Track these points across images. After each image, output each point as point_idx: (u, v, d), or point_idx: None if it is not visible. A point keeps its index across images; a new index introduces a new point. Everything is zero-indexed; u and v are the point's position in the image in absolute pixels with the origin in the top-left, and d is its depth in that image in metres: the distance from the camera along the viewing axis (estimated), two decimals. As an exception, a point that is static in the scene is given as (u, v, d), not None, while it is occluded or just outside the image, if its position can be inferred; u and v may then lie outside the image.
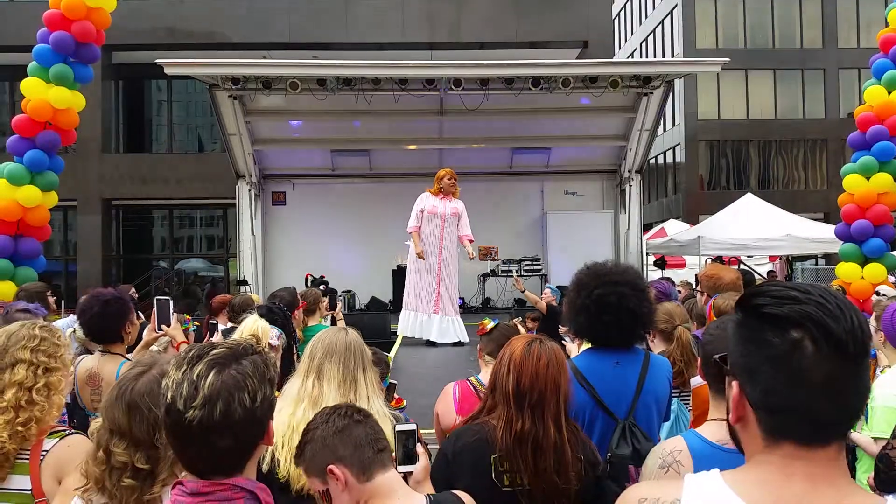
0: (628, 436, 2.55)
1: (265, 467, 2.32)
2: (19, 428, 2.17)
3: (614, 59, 20.05)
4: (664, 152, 34.22)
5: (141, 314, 4.21)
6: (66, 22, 7.35)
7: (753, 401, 1.11)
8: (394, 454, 1.97)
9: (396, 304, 10.15)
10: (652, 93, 10.05)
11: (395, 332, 8.53)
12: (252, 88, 9.52)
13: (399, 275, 10.48)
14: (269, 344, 3.29)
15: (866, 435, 3.20)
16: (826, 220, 19.31)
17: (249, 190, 11.32)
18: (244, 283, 11.08)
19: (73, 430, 2.35)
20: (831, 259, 17.78)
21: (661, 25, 35.11)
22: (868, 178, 8.33)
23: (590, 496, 2.26)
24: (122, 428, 1.75)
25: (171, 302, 3.66)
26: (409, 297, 8.19)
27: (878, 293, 7.44)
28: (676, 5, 32.61)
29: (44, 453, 2.19)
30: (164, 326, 3.60)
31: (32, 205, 7.32)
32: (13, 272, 7.25)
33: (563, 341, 4.32)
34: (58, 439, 2.23)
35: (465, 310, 10.08)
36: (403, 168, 12.01)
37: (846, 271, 8.44)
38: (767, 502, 1.07)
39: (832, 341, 1.05)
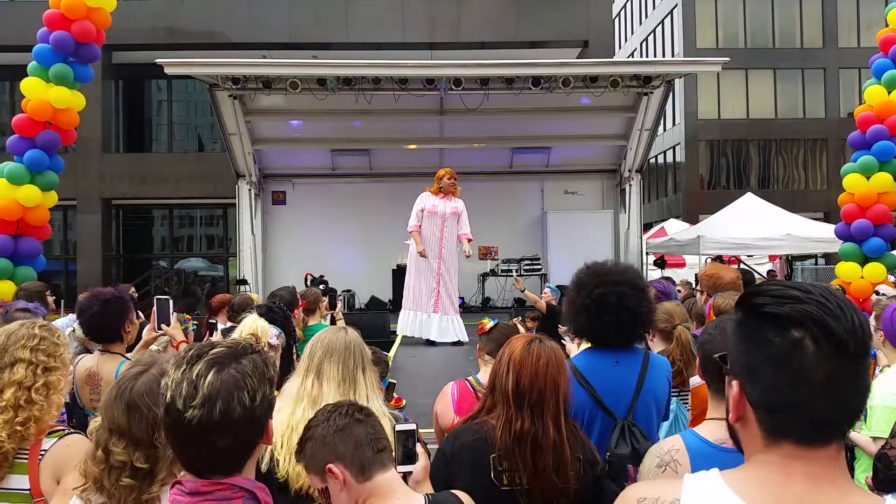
0: (627, 435, 2.55)
1: (264, 467, 2.31)
2: (18, 427, 2.17)
3: (614, 59, 20.04)
4: (664, 152, 34.23)
5: (140, 313, 4.21)
6: (66, 22, 7.35)
7: (753, 400, 1.11)
8: (393, 454, 1.97)
9: (396, 304, 10.15)
10: (652, 92, 10.05)
11: (395, 331, 8.52)
12: (252, 88, 9.52)
13: (399, 274, 10.48)
14: (268, 343, 3.29)
15: (865, 434, 3.20)
16: (826, 219, 19.31)
17: (249, 189, 11.32)
18: (244, 282, 11.08)
19: (71, 430, 2.35)
20: (831, 258, 17.79)
21: (661, 25, 35.11)
22: (868, 178, 8.33)
23: (589, 496, 2.26)
24: (121, 427, 1.75)
25: (171, 301, 3.66)
26: (408, 296, 8.19)
27: (877, 293, 7.44)
28: (676, 5, 32.60)
29: (42, 453, 2.19)
30: (163, 326, 3.60)
31: (32, 204, 7.32)
32: (13, 271, 7.25)
33: (562, 341, 4.32)
34: (57, 439, 2.23)
35: (465, 309, 10.07)
36: (403, 168, 12.00)
37: (846, 271, 8.44)
38: (768, 502, 1.06)
39: (833, 341, 1.05)
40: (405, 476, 2.01)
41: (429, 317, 8.04)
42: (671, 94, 10.74)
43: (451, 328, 8.05)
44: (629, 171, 11.62)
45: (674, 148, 33.61)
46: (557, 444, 2.20)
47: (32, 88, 7.40)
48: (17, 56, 12.54)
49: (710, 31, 32.00)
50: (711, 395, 2.17)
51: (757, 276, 11.82)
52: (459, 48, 16.68)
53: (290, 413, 2.42)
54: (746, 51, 31.00)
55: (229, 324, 5.07)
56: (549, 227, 12.36)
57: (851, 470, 3.33)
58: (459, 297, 8.71)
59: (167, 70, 8.83)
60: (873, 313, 4.01)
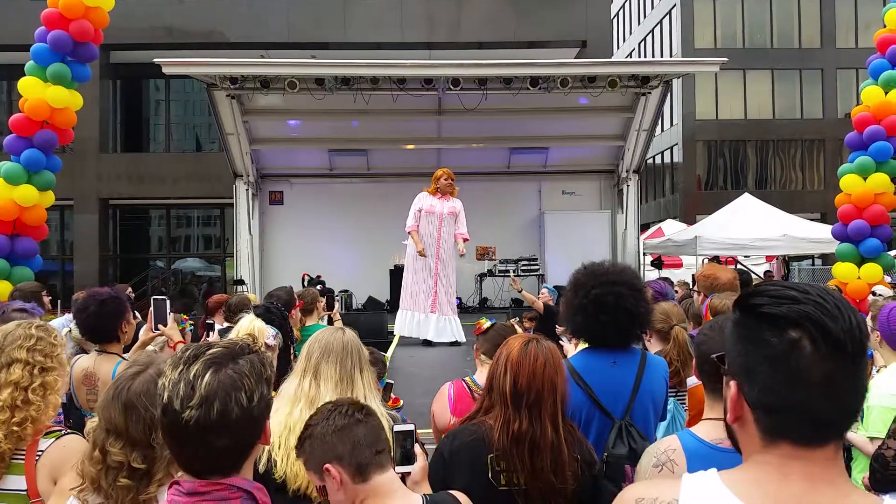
0: (625, 435, 2.55)
1: (262, 467, 2.31)
2: (15, 428, 2.17)
3: (612, 59, 20.04)
4: (662, 152, 34.26)
5: (137, 314, 4.20)
6: (64, 21, 7.33)
7: (751, 400, 1.11)
8: (392, 454, 1.97)
9: (393, 304, 10.15)
10: (650, 93, 10.06)
11: (392, 331, 8.52)
12: (250, 88, 9.51)
13: (396, 275, 10.48)
14: (265, 343, 3.28)
15: (862, 435, 3.20)
16: (823, 220, 19.34)
17: (247, 189, 11.31)
18: (241, 282, 11.06)
19: (68, 430, 2.34)
20: (828, 259, 17.80)
21: (659, 25, 35.15)
22: (865, 179, 8.34)
23: (586, 496, 2.26)
24: (118, 427, 1.75)
25: (168, 302, 3.66)
26: (406, 296, 8.19)
27: (874, 293, 7.46)
28: (675, 5, 32.64)
29: (39, 453, 2.19)
30: (160, 326, 3.60)
31: (29, 204, 7.29)
32: (9, 272, 7.23)
33: (560, 341, 4.32)
34: (53, 439, 2.22)
35: (463, 310, 10.07)
36: (401, 168, 12.00)
37: (843, 271, 8.45)
38: (766, 502, 1.06)
39: (830, 341, 1.05)
40: (403, 476, 2.01)
41: (426, 317, 8.04)
42: (669, 94, 10.75)
43: (449, 328, 8.05)
44: (627, 171, 11.63)
45: (671, 148, 33.64)
46: (555, 445, 2.20)
47: (30, 88, 7.39)
48: (14, 55, 12.52)
49: (708, 31, 32.04)
50: (708, 396, 2.17)
51: (754, 276, 11.84)
52: (458, 48, 16.67)
53: (287, 414, 2.42)
54: (744, 51, 31.04)
55: (226, 324, 5.06)
56: (547, 227, 12.37)
57: (848, 470, 3.34)
58: (457, 298, 8.71)
59: (165, 70, 8.82)
60: (870, 314, 4.02)
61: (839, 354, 1.06)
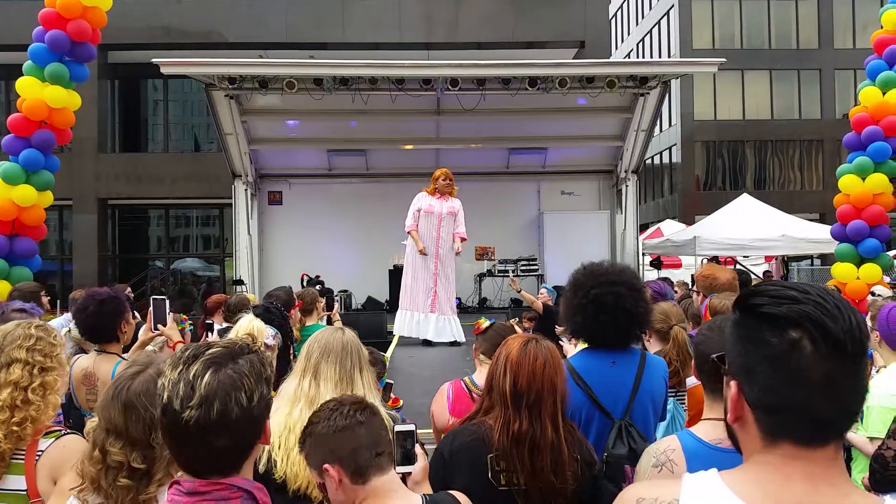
0: (625, 436, 2.55)
1: (262, 467, 2.31)
2: (15, 428, 2.17)
3: (611, 60, 20.05)
4: (660, 153, 34.28)
5: (137, 314, 4.20)
6: (62, 21, 7.32)
7: (752, 400, 1.11)
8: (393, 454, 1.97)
9: (393, 304, 10.15)
10: (648, 93, 10.06)
11: (392, 331, 8.52)
12: (248, 88, 9.50)
13: (395, 275, 10.48)
14: (264, 343, 3.28)
15: (862, 435, 3.21)
16: (822, 220, 19.37)
17: (246, 189, 11.31)
18: (240, 282, 11.06)
19: (68, 430, 2.34)
20: (827, 259, 17.83)
21: (657, 26, 35.17)
22: (863, 179, 8.34)
23: (586, 496, 2.26)
24: (118, 427, 1.75)
25: (167, 302, 3.66)
26: (405, 296, 8.19)
27: (873, 293, 7.46)
28: (673, 6, 32.66)
29: (39, 453, 2.19)
30: (160, 326, 3.60)
31: (28, 204, 7.29)
32: (8, 272, 7.22)
33: (560, 341, 4.32)
34: (53, 439, 2.22)
35: (462, 310, 10.07)
36: (400, 168, 12.00)
37: (842, 272, 8.45)
38: (767, 503, 1.07)
39: (830, 341, 1.05)
40: (404, 477, 2.01)
41: (426, 317, 8.04)
42: (667, 94, 10.76)
43: (448, 328, 8.05)
44: (625, 171, 11.64)
45: (670, 149, 33.67)
46: (555, 445, 2.20)
47: (28, 88, 7.38)
48: (12, 55, 12.49)
49: (707, 31, 32.06)
50: (707, 396, 2.17)
51: (753, 276, 11.84)
52: (456, 48, 16.67)
53: (287, 414, 2.42)
54: (742, 52, 31.06)
55: (226, 324, 5.06)
56: (546, 227, 12.37)
57: (848, 471, 3.34)
58: (456, 298, 8.71)
59: (163, 69, 8.82)
60: (869, 314, 4.02)
61: (839, 354, 1.06)
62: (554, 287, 8.09)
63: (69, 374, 3.21)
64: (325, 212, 12.13)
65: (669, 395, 3.07)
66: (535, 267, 11.89)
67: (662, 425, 3.04)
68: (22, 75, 7.46)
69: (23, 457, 2.18)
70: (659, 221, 21.95)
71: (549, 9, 16.84)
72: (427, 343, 8.01)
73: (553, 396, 2.24)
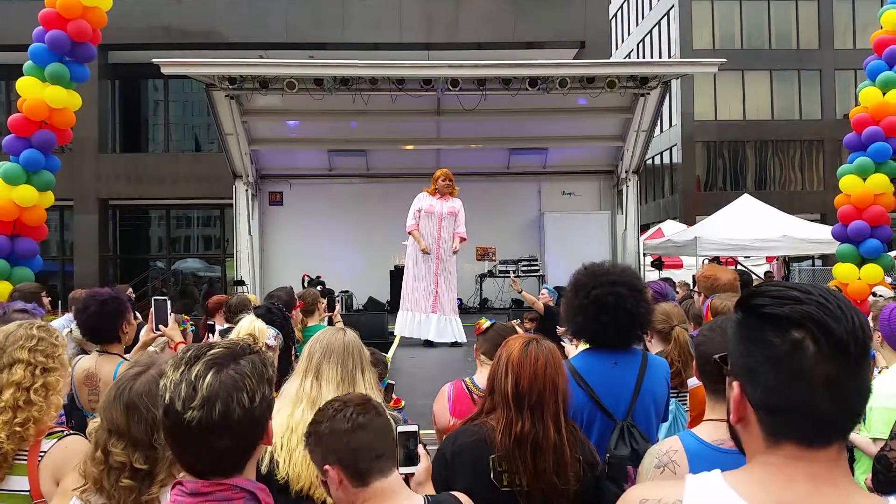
0: (627, 436, 2.55)
1: (264, 468, 2.31)
2: (17, 428, 2.17)
3: (611, 60, 20.05)
4: (661, 153, 34.28)
5: (138, 314, 4.20)
6: (62, 21, 7.32)
7: (754, 401, 1.11)
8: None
9: (394, 305, 10.15)
10: (649, 93, 10.06)
11: (393, 332, 8.52)
12: (249, 88, 9.51)
13: (396, 275, 10.48)
14: (265, 344, 3.28)
15: (864, 436, 3.20)
16: (823, 220, 19.35)
17: (246, 190, 11.31)
18: (241, 283, 11.06)
19: (70, 431, 2.34)
20: (828, 260, 17.81)
21: (657, 26, 35.17)
22: (864, 179, 8.34)
23: (588, 497, 2.26)
24: (120, 428, 1.75)
25: (169, 302, 3.66)
26: (406, 297, 8.19)
27: (874, 294, 7.46)
28: (673, 6, 32.66)
29: (42, 454, 2.19)
30: (161, 327, 3.60)
31: (28, 204, 7.28)
32: (9, 272, 7.22)
33: (561, 342, 4.32)
34: (56, 440, 2.22)
35: (463, 310, 10.07)
36: (400, 168, 12.00)
37: (843, 272, 8.45)
38: (770, 503, 1.07)
39: (833, 341, 1.05)
40: (407, 477, 2.01)
41: (427, 317, 8.04)
42: (668, 95, 10.76)
43: (450, 328, 8.05)
44: (626, 172, 11.63)
45: (670, 149, 33.66)
46: (558, 446, 2.20)
47: (28, 88, 7.37)
48: (12, 55, 12.50)
49: (707, 32, 32.06)
50: (708, 396, 2.17)
51: (754, 277, 11.84)
52: (456, 48, 16.67)
53: (288, 414, 2.42)
54: (743, 52, 31.06)
55: (227, 325, 5.06)
56: (547, 228, 12.37)
57: (851, 472, 3.34)
58: (457, 299, 8.71)
59: (164, 70, 8.82)
60: (871, 314, 4.02)
61: (842, 355, 1.06)
62: (555, 287, 8.10)
63: (71, 374, 3.21)
64: (326, 212, 12.14)
65: (671, 396, 3.06)
66: (536, 267, 11.88)
67: (665, 426, 3.04)
68: (22, 75, 7.46)
69: (25, 457, 2.18)
70: (660, 222, 21.94)
71: (549, 9, 16.84)
72: (428, 344, 8.01)
73: (555, 397, 2.24)
